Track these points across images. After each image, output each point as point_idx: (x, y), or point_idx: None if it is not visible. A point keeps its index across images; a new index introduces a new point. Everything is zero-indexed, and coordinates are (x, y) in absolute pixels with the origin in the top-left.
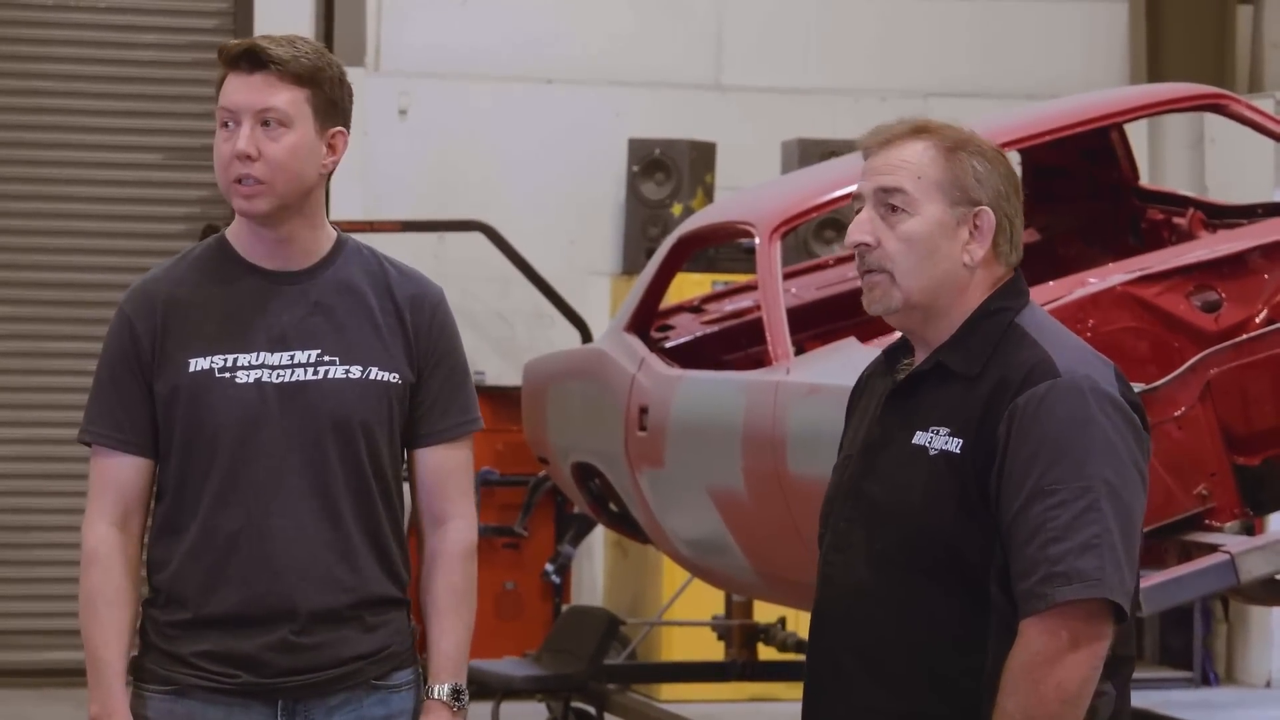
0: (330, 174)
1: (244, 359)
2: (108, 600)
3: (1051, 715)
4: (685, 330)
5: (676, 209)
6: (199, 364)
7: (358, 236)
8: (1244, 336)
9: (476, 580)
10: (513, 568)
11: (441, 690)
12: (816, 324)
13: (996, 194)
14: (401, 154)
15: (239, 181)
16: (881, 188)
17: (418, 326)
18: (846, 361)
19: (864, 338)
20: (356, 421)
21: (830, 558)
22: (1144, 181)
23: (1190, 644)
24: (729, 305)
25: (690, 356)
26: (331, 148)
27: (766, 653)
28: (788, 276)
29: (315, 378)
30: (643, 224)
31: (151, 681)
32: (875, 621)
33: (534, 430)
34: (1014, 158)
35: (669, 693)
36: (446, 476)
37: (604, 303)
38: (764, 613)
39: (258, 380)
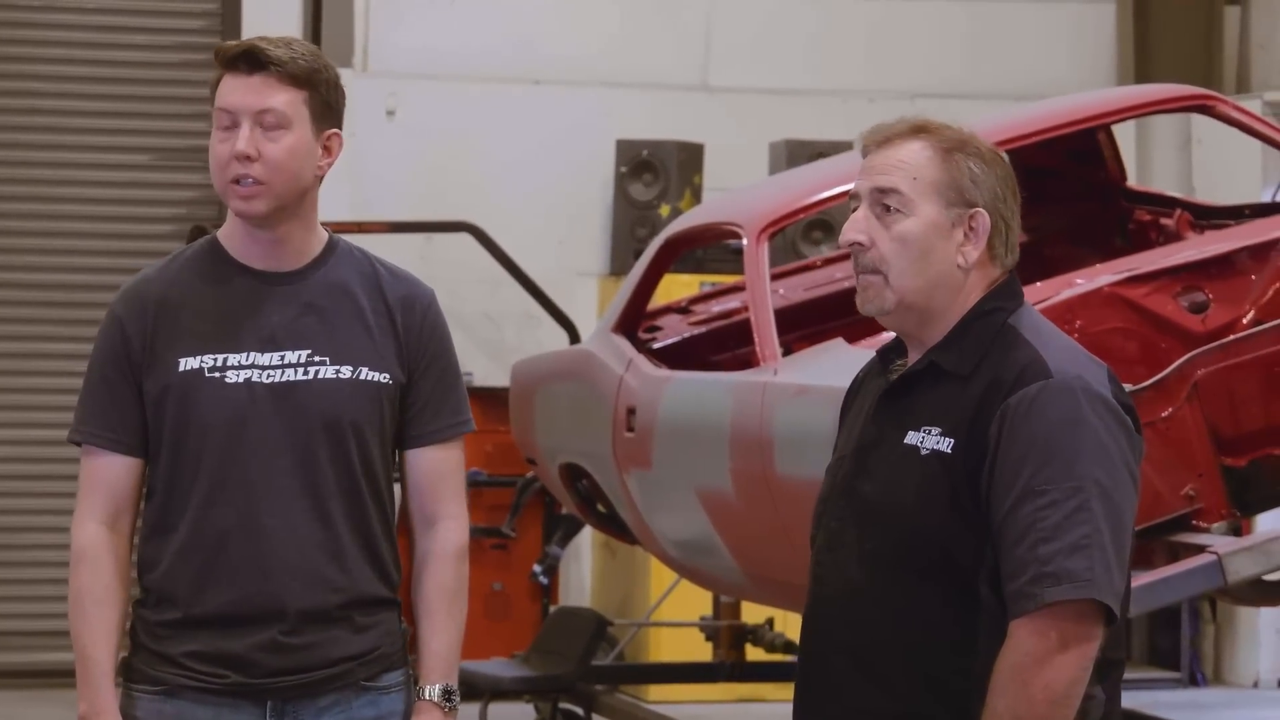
0: (324, 176)
1: (234, 359)
2: (97, 599)
3: (1040, 716)
4: (673, 331)
5: (664, 210)
6: (189, 363)
7: (349, 238)
8: (1231, 337)
9: (468, 581)
10: (501, 569)
11: (433, 691)
12: (804, 325)
13: (993, 196)
14: (390, 155)
15: (237, 182)
16: (877, 187)
17: (409, 328)
18: (834, 362)
19: (852, 339)
20: (347, 422)
21: (822, 557)
22: (1131, 182)
23: (1178, 644)
24: (717, 306)
25: (678, 357)
26: (327, 149)
27: (754, 653)
28: (775, 277)
29: (305, 378)
30: (631, 225)
31: (141, 681)
32: (867, 621)
33: (522, 431)
34: None
35: (657, 693)
36: (438, 478)
37: (592, 303)
38: (752, 614)
39: (247, 380)
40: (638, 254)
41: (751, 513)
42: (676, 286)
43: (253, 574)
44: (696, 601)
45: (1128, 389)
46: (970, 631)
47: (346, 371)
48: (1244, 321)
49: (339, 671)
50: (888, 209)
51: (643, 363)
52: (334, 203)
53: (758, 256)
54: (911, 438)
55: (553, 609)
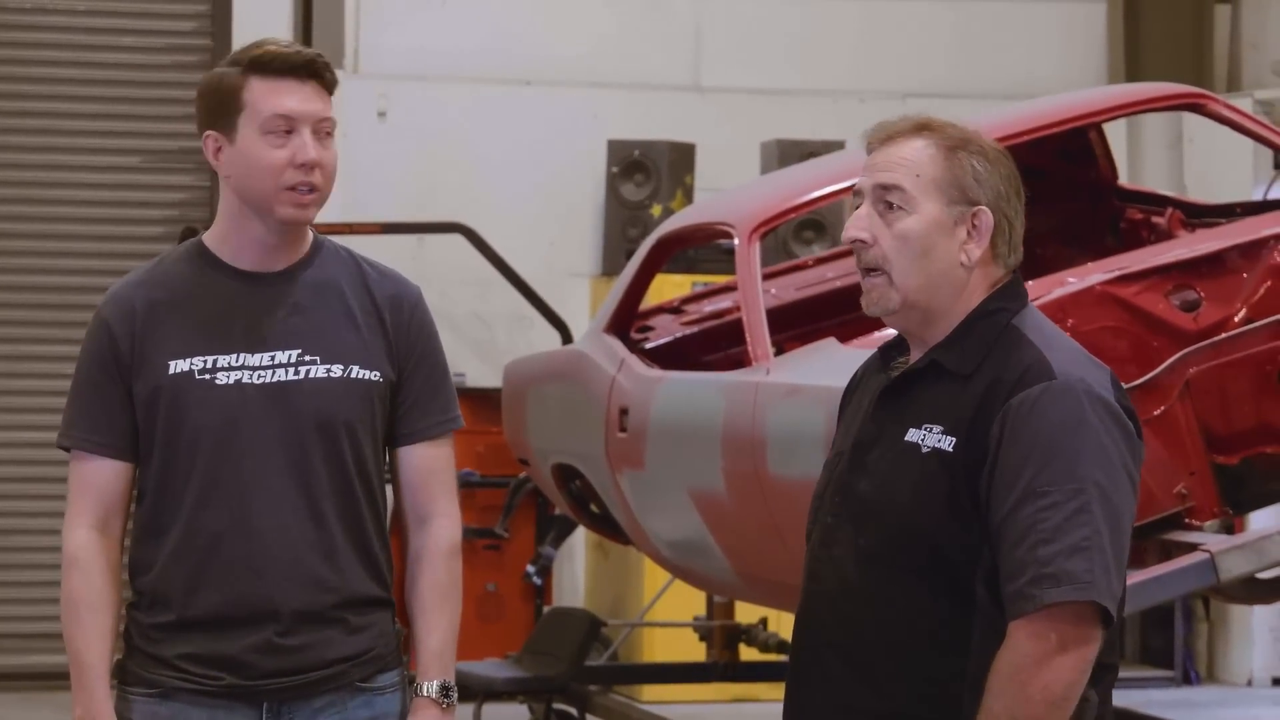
0: None
1: (224, 360)
2: (89, 604)
3: (1037, 717)
4: (665, 331)
5: (656, 210)
6: (179, 366)
7: (339, 239)
8: (1223, 336)
9: (461, 578)
10: (494, 569)
11: (430, 688)
12: (796, 325)
13: (996, 194)
14: (381, 156)
15: (293, 189)
16: (880, 184)
17: (397, 326)
18: (826, 362)
19: (844, 338)
20: (339, 421)
21: (817, 553)
22: (1123, 181)
23: (1171, 643)
24: (709, 306)
25: (670, 357)
26: None
27: (748, 653)
28: (767, 277)
29: (296, 378)
30: (622, 225)
31: (135, 684)
32: (858, 619)
33: (514, 432)
34: None
35: (651, 694)
36: (429, 475)
37: (584, 304)
38: (745, 614)
39: (238, 381)
40: (629, 254)
41: (744, 512)
42: (668, 286)
43: (246, 575)
44: (690, 602)
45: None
46: (961, 632)
47: (338, 370)
48: (1235, 320)
49: (334, 673)
50: (890, 206)
51: (635, 363)
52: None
53: (749, 256)
54: (912, 435)
55: (546, 609)
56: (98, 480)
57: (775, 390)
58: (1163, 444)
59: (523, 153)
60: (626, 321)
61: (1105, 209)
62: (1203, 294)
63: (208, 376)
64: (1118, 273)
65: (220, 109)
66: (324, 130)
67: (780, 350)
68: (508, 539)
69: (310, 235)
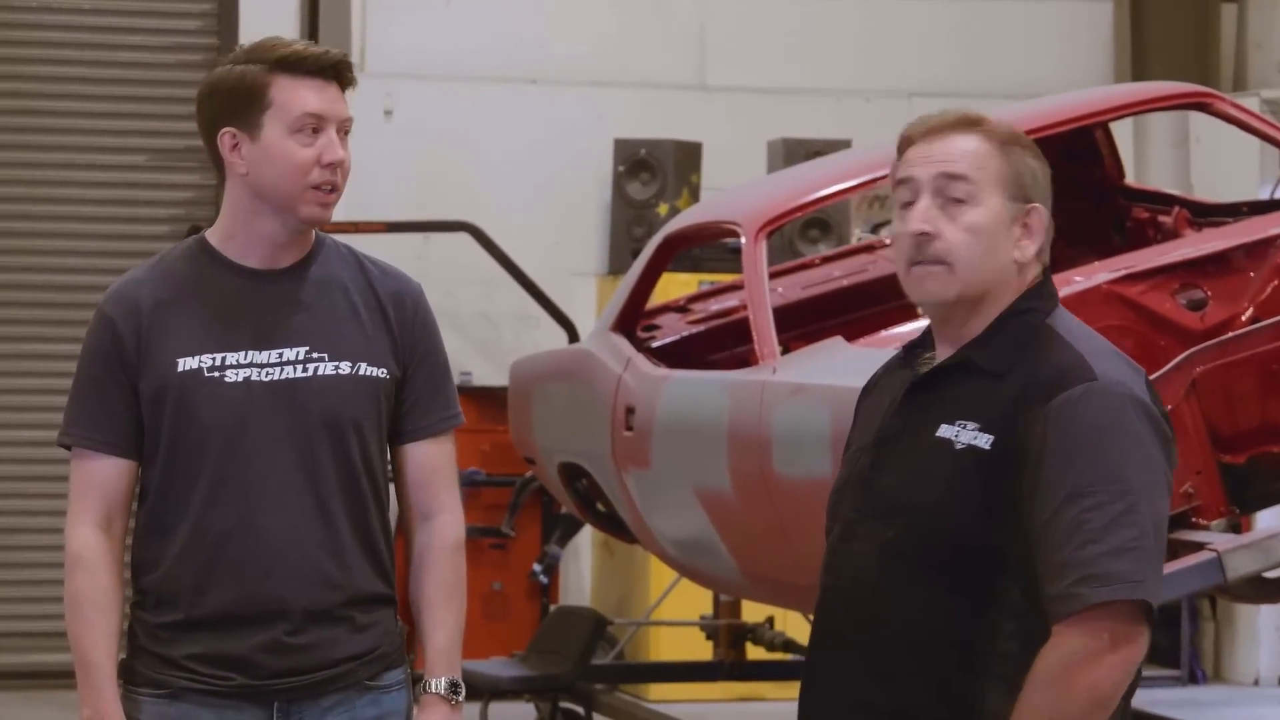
0: None
1: (232, 358)
2: (94, 603)
3: (1081, 714)
4: (671, 330)
5: (662, 209)
6: (187, 364)
7: (343, 237)
8: (1229, 335)
9: (466, 574)
10: (500, 568)
11: (438, 684)
12: (802, 323)
13: (1045, 193)
14: (387, 155)
15: (318, 188)
16: (944, 173)
17: (401, 323)
18: (832, 361)
19: (850, 337)
20: (347, 418)
21: (836, 548)
22: (1129, 180)
23: (1178, 642)
24: (715, 305)
25: (676, 356)
26: None
27: (754, 652)
28: (773, 276)
29: (304, 375)
30: (628, 224)
31: (143, 685)
32: (877, 616)
33: (520, 431)
34: None
35: (657, 693)
36: (433, 472)
37: (589, 303)
38: (752, 612)
39: (246, 379)
40: (635, 253)
41: (750, 511)
42: (674, 285)
43: (254, 573)
44: (696, 600)
45: None
46: (979, 632)
47: (345, 367)
48: (1242, 319)
49: (342, 671)
50: (953, 199)
51: (641, 362)
52: None
53: (756, 255)
54: (945, 431)
55: (552, 608)
56: (100, 479)
57: (781, 389)
58: None
59: (528, 152)
60: (632, 320)
61: (1111, 208)
62: (1209, 293)
63: (216, 374)
64: (1124, 272)
65: (243, 105)
66: (344, 130)
67: (786, 349)
68: (513, 538)
69: (313, 233)
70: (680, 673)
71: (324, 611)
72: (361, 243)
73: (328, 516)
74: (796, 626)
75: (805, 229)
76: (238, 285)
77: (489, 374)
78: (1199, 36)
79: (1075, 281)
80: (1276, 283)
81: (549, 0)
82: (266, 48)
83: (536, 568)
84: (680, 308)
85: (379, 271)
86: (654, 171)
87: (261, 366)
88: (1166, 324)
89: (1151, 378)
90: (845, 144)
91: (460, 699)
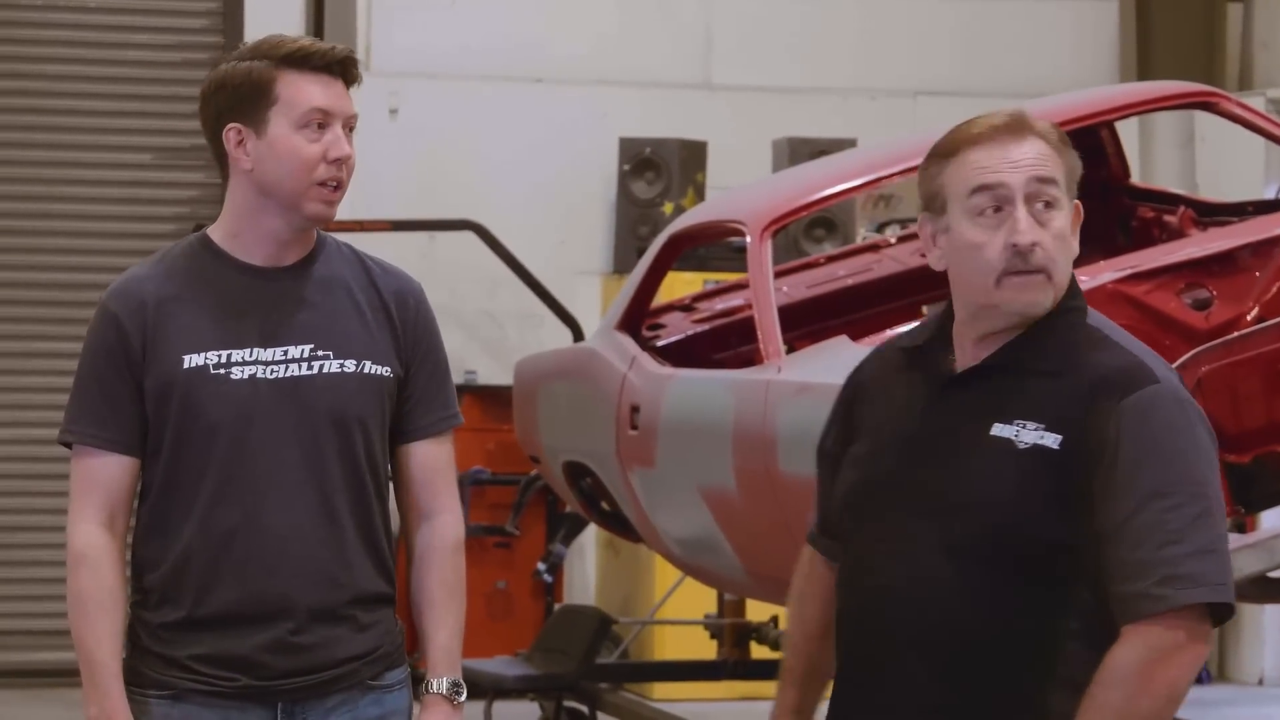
0: None
1: (238, 355)
2: (99, 602)
3: (1155, 712)
4: (676, 329)
5: (667, 208)
6: (193, 360)
7: (348, 236)
8: (1234, 334)
9: (465, 574)
10: (504, 567)
11: (440, 684)
12: (807, 323)
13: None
14: (392, 154)
15: (323, 184)
16: (1038, 177)
17: (404, 321)
18: (837, 360)
19: (855, 336)
20: (353, 416)
21: (874, 549)
22: (1134, 180)
23: None
24: (720, 304)
25: (681, 355)
26: None
27: (759, 651)
28: (778, 275)
29: (309, 373)
30: (633, 223)
31: (146, 686)
32: (950, 616)
33: (525, 429)
34: None
35: (661, 692)
36: (434, 472)
37: (594, 302)
38: (756, 611)
39: (252, 377)
40: (640, 252)
41: (755, 510)
42: (679, 284)
43: (259, 571)
44: (701, 599)
45: None
46: (1050, 632)
47: (350, 365)
48: (1247, 318)
49: (346, 671)
50: (1045, 203)
51: (646, 361)
52: None
53: (761, 254)
54: (1001, 430)
55: (556, 607)
56: (103, 477)
57: (786, 388)
58: None
59: (533, 150)
60: (638, 319)
61: (1116, 207)
62: (1214, 292)
63: (222, 371)
64: (1129, 271)
65: (249, 101)
66: (350, 127)
67: (791, 348)
68: (518, 537)
69: (315, 231)
70: (685, 672)
71: (328, 610)
72: (366, 241)
73: (332, 515)
74: (839, 623)
75: (810, 228)
76: (242, 283)
77: (494, 373)
78: (1204, 36)
79: (1080, 280)
80: None
81: None
82: (273, 44)
83: (541, 566)
84: (685, 307)
85: (381, 270)
86: (659, 170)
87: (267, 364)
88: (1171, 323)
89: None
90: (850, 143)
91: (462, 699)
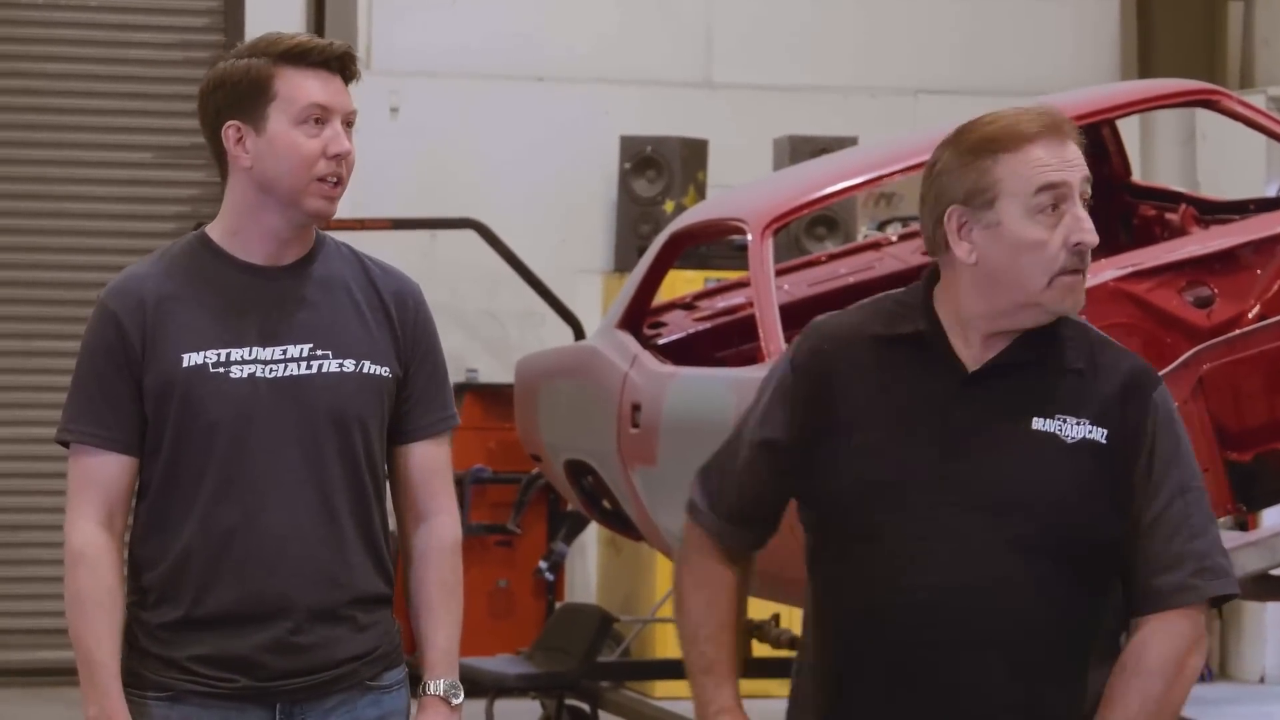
0: None
1: (237, 353)
2: (97, 601)
3: (1181, 700)
4: (677, 327)
5: (668, 206)
6: (192, 359)
7: (349, 235)
8: (1236, 332)
9: (462, 575)
10: (505, 565)
11: (438, 685)
12: (809, 321)
13: None
14: (393, 153)
15: (323, 180)
16: (1086, 177)
17: (404, 322)
18: None
19: None
20: (353, 416)
21: (922, 545)
22: (1136, 177)
23: None
24: (721, 302)
25: (683, 354)
26: None
27: (760, 649)
28: (780, 273)
29: (309, 372)
30: (634, 221)
31: (145, 687)
32: (1022, 614)
33: (526, 428)
34: None
35: (663, 690)
36: (432, 472)
37: (595, 300)
38: (757, 609)
39: (251, 375)
40: (642, 250)
41: None
42: (681, 283)
43: (259, 572)
44: None
45: None
46: (1096, 623)
47: (350, 365)
48: (1249, 316)
49: (345, 672)
50: (1084, 205)
51: (647, 359)
52: None
53: (762, 252)
54: (1043, 425)
55: (558, 605)
56: (102, 476)
57: None
58: None
59: (534, 149)
60: (639, 317)
61: (1118, 205)
62: (1216, 290)
63: (221, 370)
64: (1131, 269)
65: (248, 98)
66: (349, 123)
67: None
68: (519, 535)
69: (314, 230)
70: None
71: (328, 610)
72: (367, 240)
73: (332, 514)
74: (873, 621)
75: (811, 226)
76: (241, 281)
77: (495, 371)
78: (1206, 34)
79: None
80: None
81: None
82: (270, 40)
83: (542, 565)
84: (686, 305)
85: (380, 270)
86: (660, 169)
87: (266, 363)
88: (1173, 321)
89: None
90: (851, 141)
91: (459, 700)
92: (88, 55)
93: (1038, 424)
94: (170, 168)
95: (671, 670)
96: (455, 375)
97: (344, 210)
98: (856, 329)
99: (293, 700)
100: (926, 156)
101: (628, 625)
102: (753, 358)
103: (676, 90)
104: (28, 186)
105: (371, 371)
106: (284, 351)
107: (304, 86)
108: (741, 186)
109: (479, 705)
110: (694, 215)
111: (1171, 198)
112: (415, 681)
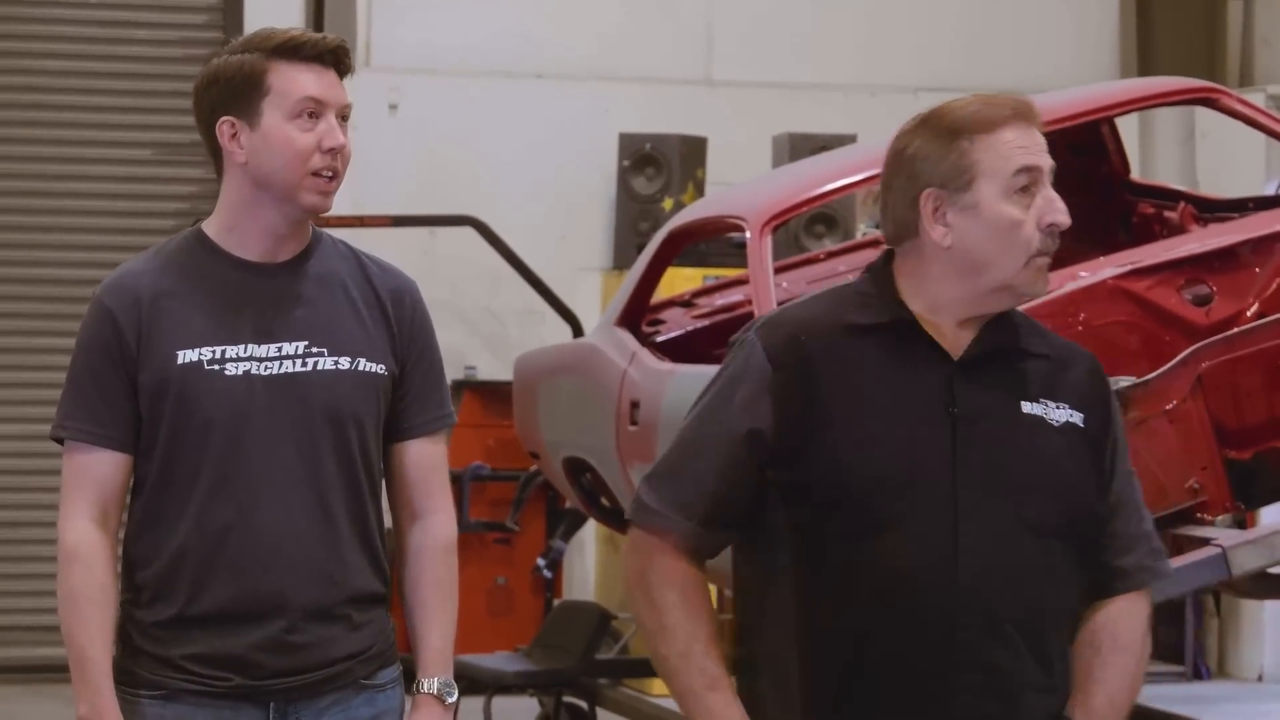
0: None
1: (232, 351)
2: (91, 599)
3: (1143, 675)
4: (676, 325)
5: (667, 204)
6: (187, 356)
7: (348, 232)
8: (1235, 330)
9: (457, 574)
10: (504, 563)
11: (432, 684)
12: None
13: None
14: (392, 150)
15: (318, 174)
16: (1054, 167)
17: (400, 320)
18: None
19: None
20: (348, 414)
21: (954, 531)
22: (1135, 175)
23: (1182, 638)
24: (720, 300)
25: (681, 351)
26: None
27: None
28: (778, 271)
29: (304, 369)
30: (633, 219)
31: (139, 686)
32: (1043, 598)
33: (525, 425)
34: None
35: (661, 687)
36: (428, 471)
37: (594, 298)
38: None
39: (246, 373)
40: (640, 248)
41: None
42: (680, 280)
43: (254, 569)
44: None
45: (1132, 382)
46: (1081, 600)
47: (345, 363)
48: (1248, 314)
49: (339, 670)
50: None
51: (646, 356)
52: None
53: (761, 250)
54: (1031, 408)
55: (556, 603)
56: (97, 473)
57: None
58: (1175, 438)
59: (534, 146)
60: (638, 315)
61: (1117, 203)
62: (1215, 288)
63: (216, 367)
64: (1130, 267)
65: (242, 93)
66: (344, 116)
67: None
68: (518, 532)
69: (310, 227)
70: None
71: (324, 609)
72: (366, 237)
73: (327, 512)
74: (892, 601)
75: (810, 224)
76: (237, 278)
77: (494, 369)
78: (1205, 32)
79: (1081, 277)
80: None
81: None
82: (264, 36)
83: (541, 562)
84: (685, 302)
85: (377, 268)
86: (659, 166)
87: (261, 360)
88: (1172, 319)
89: (1157, 373)
90: (851, 139)
91: (453, 699)
92: (87, 52)
93: (1026, 408)
94: (169, 165)
95: None
96: (454, 372)
97: (343, 207)
98: (829, 318)
99: (287, 699)
100: None
101: (626, 623)
102: None
103: (676, 88)
104: (27, 183)
105: (367, 369)
106: (279, 349)
107: (297, 81)
108: (740, 184)
109: (477, 702)
110: (693, 212)
111: (1171, 196)
112: (410, 680)
